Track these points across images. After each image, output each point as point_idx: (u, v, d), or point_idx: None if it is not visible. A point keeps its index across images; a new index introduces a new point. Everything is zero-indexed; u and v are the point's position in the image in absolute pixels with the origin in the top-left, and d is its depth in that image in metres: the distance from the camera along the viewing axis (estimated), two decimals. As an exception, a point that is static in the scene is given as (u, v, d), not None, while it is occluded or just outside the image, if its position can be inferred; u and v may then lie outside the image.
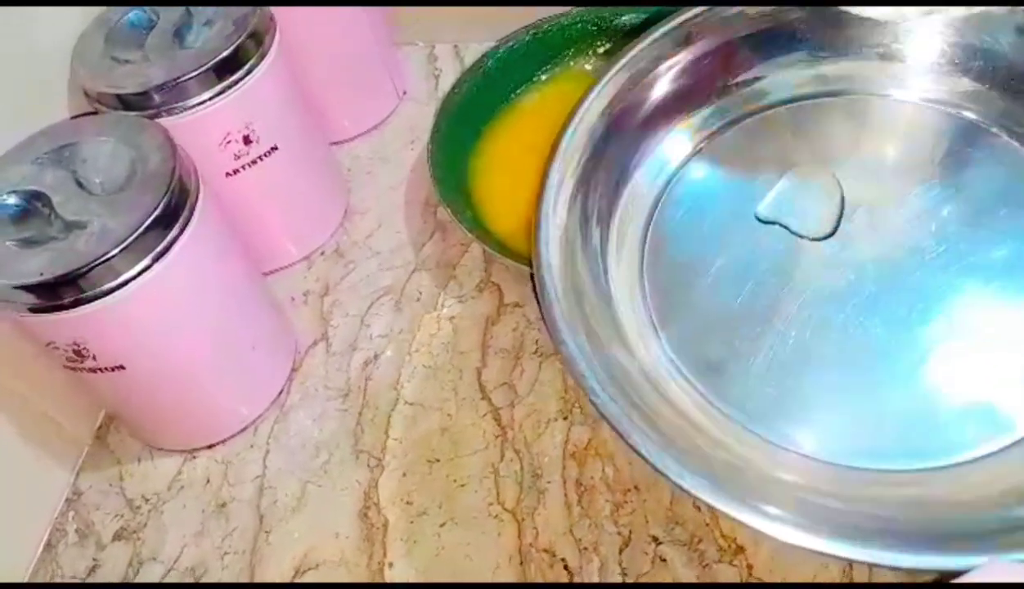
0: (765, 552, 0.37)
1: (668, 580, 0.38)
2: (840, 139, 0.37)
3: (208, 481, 0.45)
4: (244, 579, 0.41)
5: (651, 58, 0.36)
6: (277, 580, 0.41)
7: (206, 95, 0.43)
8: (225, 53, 0.43)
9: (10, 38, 0.43)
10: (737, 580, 0.37)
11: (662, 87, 0.37)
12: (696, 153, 0.37)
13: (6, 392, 0.43)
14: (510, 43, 0.56)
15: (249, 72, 0.44)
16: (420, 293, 0.50)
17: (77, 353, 0.38)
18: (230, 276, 0.43)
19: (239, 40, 0.43)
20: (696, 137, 0.37)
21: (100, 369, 0.39)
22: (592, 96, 0.35)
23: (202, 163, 0.41)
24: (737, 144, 0.37)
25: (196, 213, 0.39)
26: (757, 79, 0.38)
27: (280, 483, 0.44)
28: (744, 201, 0.36)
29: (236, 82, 0.43)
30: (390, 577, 0.40)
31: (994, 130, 0.36)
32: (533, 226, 0.33)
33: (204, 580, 0.41)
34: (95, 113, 0.43)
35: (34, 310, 0.36)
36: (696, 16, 0.37)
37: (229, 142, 0.45)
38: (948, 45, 0.36)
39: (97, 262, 0.35)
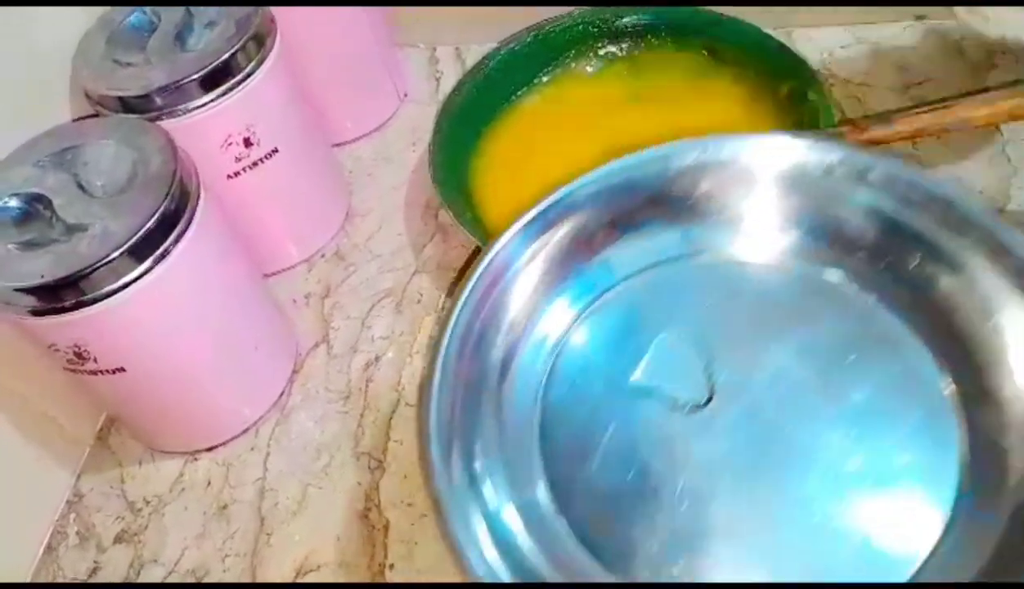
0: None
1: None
2: (700, 303, 0.39)
3: (209, 483, 0.45)
4: (245, 581, 0.41)
5: (514, 248, 0.38)
6: (278, 582, 0.41)
7: (207, 98, 0.43)
8: (226, 56, 0.43)
9: (11, 39, 0.43)
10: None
11: (529, 275, 0.38)
12: (570, 330, 0.38)
13: (7, 393, 0.43)
14: (511, 45, 0.56)
15: (250, 74, 0.44)
16: (421, 295, 0.50)
17: (78, 355, 0.38)
18: (231, 278, 0.43)
19: (240, 42, 0.43)
20: (567, 316, 0.38)
21: (101, 371, 0.39)
22: (464, 296, 0.36)
23: (203, 165, 0.41)
24: (606, 317, 0.39)
25: (197, 215, 0.39)
26: (618, 252, 0.40)
27: (281, 485, 0.44)
28: (620, 374, 0.37)
29: (237, 84, 0.43)
30: (391, 579, 0.40)
31: (836, 282, 0.38)
32: (418, 443, 0.33)
33: (204, 582, 0.41)
34: (96, 115, 0.44)
35: (35, 313, 0.36)
36: (554, 203, 0.39)
37: (230, 144, 0.45)
38: (791, 211, 0.39)
39: (98, 264, 0.35)
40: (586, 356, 0.37)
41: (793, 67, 0.50)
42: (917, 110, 0.43)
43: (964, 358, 0.34)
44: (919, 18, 0.56)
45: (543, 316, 0.38)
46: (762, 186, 0.39)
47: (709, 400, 0.35)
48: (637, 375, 0.36)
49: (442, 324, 0.35)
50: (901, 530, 0.32)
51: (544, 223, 0.38)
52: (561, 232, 0.39)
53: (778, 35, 0.52)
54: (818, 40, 0.57)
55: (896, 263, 0.37)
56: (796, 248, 0.39)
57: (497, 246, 0.37)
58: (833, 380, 0.35)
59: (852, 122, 0.44)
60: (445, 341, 0.35)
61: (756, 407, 0.35)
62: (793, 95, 0.50)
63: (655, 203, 0.39)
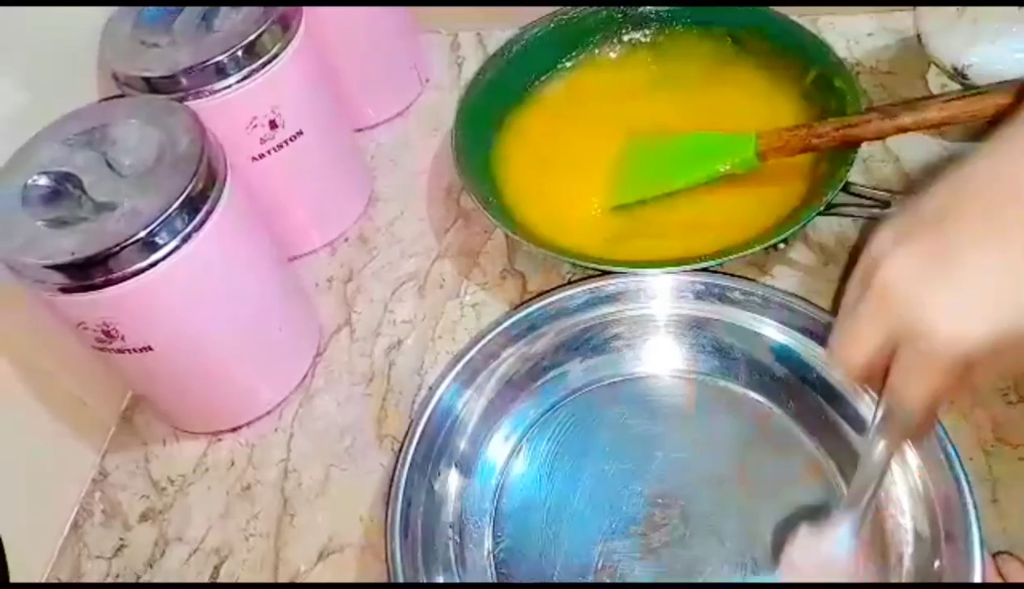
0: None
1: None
2: (619, 421, 0.42)
3: (233, 463, 0.45)
4: (268, 561, 0.41)
5: (484, 357, 0.42)
6: (301, 563, 0.41)
7: (233, 79, 0.43)
8: (252, 37, 0.43)
9: (39, 21, 0.43)
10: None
11: (467, 417, 0.42)
12: (508, 464, 0.42)
13: (35, 372, 0.43)
14: (534, 30, 0.56)
15: (276, 56, 0.44)
16: (443, 280, 0.50)
17: (107, 334, 0.38)
18: (256, 259, 0.43)
19: (266, 25, 0.43)
20: (504, 449, 0.42)
21: (129, 350, 0.39)
22: (413, 445, 0.40)
23: (228, 147, 0.41)
24: (550, 437, 0.42)
25: (224, 195, 0.39)
26: (563, 372, 0.44)
27: (304, 466, 0.44)
28: (566, 494, 0.40)
29: (263, 66, 0.44)
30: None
31: (741, 391, 0.43)
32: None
33: (229, 561, 0.42)
34: (123, 96, 0.44)
35: (65, 290, 0.36)
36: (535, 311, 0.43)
37: (255, 126, 0.45)
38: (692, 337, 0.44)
39: (127, 243, 0.36)
40: (531, 480, 0.41)
41: (819, 54, 0.50)
42: (947, 98, 0.43)
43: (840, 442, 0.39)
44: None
45: (483, 452, 0.41)
46: (660, 323, 0.44)
47: (646, 517, 0.38)
48: (577, 504, 0.39)
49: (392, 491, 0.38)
50: None
51: (472, 371, 0.42)
52: (491, 376, 0.43)
53: (803, 22, 0.52)
54: (843, 28, 0.57)
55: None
56: (696, 364, 0.43)
57: (436, 396, 0.41)
58: (741, 471, 0.39)
59: (880, 109, 0.44)
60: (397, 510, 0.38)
61: (688, 509, 0.39)
62: (819, 83, 0.50)
63: (568, 346, 0.44)
